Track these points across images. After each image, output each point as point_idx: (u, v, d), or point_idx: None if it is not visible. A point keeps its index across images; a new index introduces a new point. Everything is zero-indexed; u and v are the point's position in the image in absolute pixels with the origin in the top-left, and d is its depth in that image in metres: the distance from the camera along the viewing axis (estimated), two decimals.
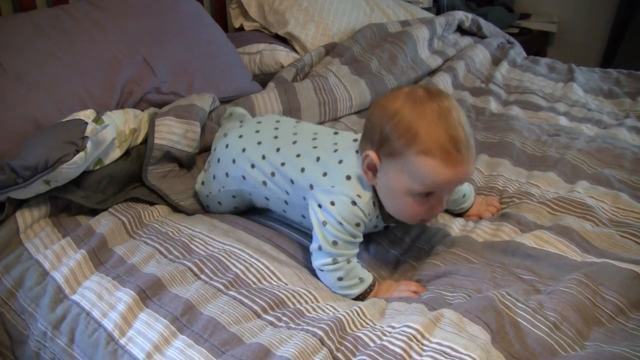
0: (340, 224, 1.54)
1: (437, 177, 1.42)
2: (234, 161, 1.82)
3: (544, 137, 2.35)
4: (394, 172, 1.48)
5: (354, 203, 1.54)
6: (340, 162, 1.61)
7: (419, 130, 1.41)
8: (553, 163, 2.12)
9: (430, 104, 1.44)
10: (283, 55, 2.96)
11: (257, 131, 1.84)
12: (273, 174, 1.72)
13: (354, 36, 3.09)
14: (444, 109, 1.43)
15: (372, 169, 1.52)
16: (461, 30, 3.53)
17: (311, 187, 1.63)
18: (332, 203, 1.55)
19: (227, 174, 1.84)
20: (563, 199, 1.86)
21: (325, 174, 1.62)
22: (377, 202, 1.59)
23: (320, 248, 1.56)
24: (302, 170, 1.66)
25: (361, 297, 1.57)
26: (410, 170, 1.44)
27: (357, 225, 1.56)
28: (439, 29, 3.27)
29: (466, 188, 1.85)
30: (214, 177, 1.89)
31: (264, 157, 1.75)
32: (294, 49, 3.13)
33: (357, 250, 1.60)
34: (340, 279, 1.55)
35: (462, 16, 3.45)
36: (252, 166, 1.76)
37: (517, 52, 3.48)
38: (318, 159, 1.65)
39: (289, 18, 3.18)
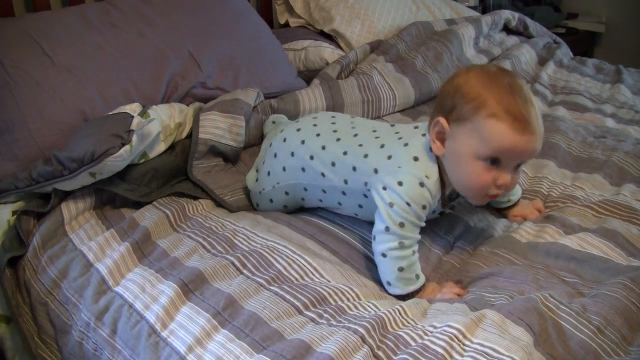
0: (408, 204, 1.54)
1: (505, 140, 1.45)
2: (292, 154, 1.82)
3: (590, 139, 2.33)
4: (462, 137, 1.51)
5: (422, 184, 1.55)
6: (406, 145, 1.63)
7: (488, 97, 1.46)
8: (599, 165, 2.09)
9: (503, 78, 1.50)
10: (328, 52, 2.96)
11: (315, 125, 1.86)
12: (333, 164, 1.72)
13: (400, 34, 3.08)
14: (515, 85, 1.49)
15: (440, 138, 1.55)
16: (507, 29, 3.50)
17: (375, 171, 1.63)
18: (400, 183, 1.55)
19: (284, 168, 1.84)
20: (608, 201, 1.83)
21: (390, 157, 1.62)
22: (442, 183, 1.60)
23: (387, 229, 1.54)
24: (366, 156, 1.67)
25: (406, 297, 1.56)
26: (478, 133, 1.47)
27: (424, 207, 1.56)
28: (485, 28, 3.24)
29: None
30: (268, 174, 1.89)
31: (323, 148, 1.75)
32: (339, 46, 3.13)
33: (419, 237, 1.59)
34: (401, 269, 1.54)
35: (508, 15, 3.42)
36: (312, 157, 1.76)
37: (564, 52, 3.44)
38: (382, 146, 1.66)
39: (335, 15, 3.18)
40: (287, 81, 2.65)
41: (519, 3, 4.58)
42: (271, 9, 3.56)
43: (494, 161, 1.49)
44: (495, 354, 1.20)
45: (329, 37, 3.19)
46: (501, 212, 1.89)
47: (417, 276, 1.56)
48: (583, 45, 4.55)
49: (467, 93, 1.49)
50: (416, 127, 1.68)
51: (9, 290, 1.76)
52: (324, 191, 1.78)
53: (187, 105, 2.28)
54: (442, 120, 1.53)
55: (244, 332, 1.37)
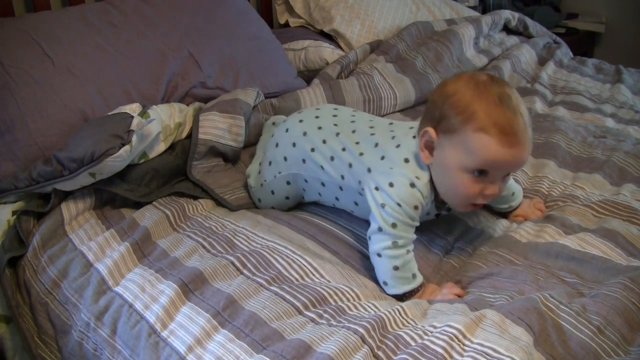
0: (399, 205, 1.55)
1: (492, 154, 1.45)
2: (294, 144, 1.84)
3: (590, 139, 2.33)
4: (450, 148, 1.51)
5: (412, 185, 1.56)
6: (398, 146, 1.64)
7: (477, 109, 1.45)
8: (599, 165, 2.09)
9: (492, 87, 1.48)
10: (328, 52, 2.96)
11: (317, 117, 1.87)
12: (332, 158, 1.74)
13: (400, 34, 3.08)
14: (504, 94, 1.47)
15: (429, 147, 1.56)
16: (507, 29, 3.50)
17: (369, 170, 1.65)
18: (391, 184, 1.57)
19: (285, 158, 1.86)
20: (608, 201, 1.83)
21: (383, 157, 1.64)
22: (433, 186, 1.60)
23: (380, 230, 1.56)
24: (361, 154, 1.69)
25: (405, 298, 1.56)
26: (466, 146, 1.47)
27: (415, 208, 1.56)
28: (485, 28, 3.24)
29: (516, 187, 1.85)
30: (270, 163, 1.91)
31: (324, 142, 1.77)
32: (338, 46, 3.13)
33: (414, 236, 1.59)
34: (396, 268, 1.54)
35: (508, 15, 3.42)
36: (312, 150, 1.79)
37: (564, 52, 3.44)
38: (376, 144, 1.68)
39: (335, 15, 3.18)
40: (287, 81, 2.66)
41: (519, 3, 4.58)
42: (271, 9, 3.56)
43: (481, 172, 1.50)
44: (495, 354, 1.20)
45: (329, 37, 3.19)
46: (502, 213, 1.89)
47: (414, 275, 1.57)
48: (583, 45, 4.55)
49: (456, 104, 1.49)
50: (411, 128, 1.69)
51: (9, 290, 1.76)
52: (323, 184, 1.80)
53: (187, 105, 2.28)
54: (431, 130, 1.53)
55: (243, 332, 1.37)
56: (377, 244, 1.57)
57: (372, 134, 1.72)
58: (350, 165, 1.70)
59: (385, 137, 1.69)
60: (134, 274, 1.63)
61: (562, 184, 1.99)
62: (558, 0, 4.79)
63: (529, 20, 3.53)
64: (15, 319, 1.74)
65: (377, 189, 1.59)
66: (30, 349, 1.72)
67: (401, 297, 1.56)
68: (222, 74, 2.45)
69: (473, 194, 1.53)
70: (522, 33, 3.54)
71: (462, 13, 3.60)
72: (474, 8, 4.09)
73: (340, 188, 1.76)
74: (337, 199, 1.81)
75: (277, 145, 1.90)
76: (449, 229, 1.79)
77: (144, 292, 1.56)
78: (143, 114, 1.93)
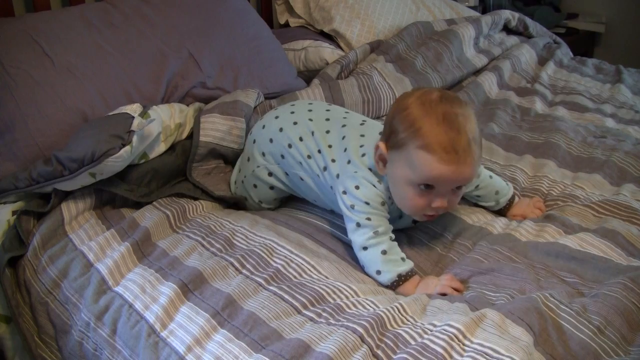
0: (367, 203, 1.63)
1: (433, 171, 1.51)
2: (271, 140, 1.89)
3: (590, 139, 2.33)
4: (398, 163, 1.58)
5: (375, 186, 1.65)
6: (363, 155, 1.71)
7: (422, 126, 1.51)
8: (599, 165, 2.09)
9: (440, 106, 1.53)
10: (328, 52, 2.96)
11: (292, 112, 1.93)
12: (309, 157, 1.80)
13: (400, 34, 3.07)
14: (450, 113, 1.52)
15: (382, 160, 1.63)
16: (507, 29, 3.50)
17: (337, 176, 1.71)
18: (357, 187, 1.65)
19: (263, 154, 1.91)
20: (608, 201, 1.83)
21: (349, 162, 1.71)
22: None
23: (358, 225, 1.63)
24: (333, 160, 1.75)
25: (402, 282, 1.58)
26: (410, 162, 1.54)
27: (382, 204, 1.65)
28: (485, 28, 3.24)
29: (500, 185, 1.87)
30: (248, 159, 1.95)
31: (301, 139, 1.83)
32: (338, 46, 3.13)
33: (391, 226, 1.65)
34: (384, 252, 1.59)
35: (508, 15, 3.42)
36: (290, 146, 1.84)
37: (564, 52, 3.44)
38: (345, 149, 1.74)
39: (335, 15, 3.18)
40: (287, 81, 2.65)
41: (519, 3, 4.58)
42: (271, 9, 3.56)
43: (428, 186, 1.55)
44: (495, 354, 1.21)
45: (329, 37, 3.19)
46: (500, 211, 1.89)
47: (403, 259, 1.61)
48: (583, 45, 4.54)
49: (404, 120, 1.55)
50: (380, 132, 1.72)
51: (9, 290, 1.76)
52: (301, 179, 1.84)
53: (187, 105, 2.28)
54: (382, 145, 1.60)
55: (242, 332, 1.37)
56: (359, 238, 1.62)
57: (343, 137, 1.78)
58: (325, 169, 1.77)
59: (354, 144, 1.74)
60: (134, 274, 1.63)
61: (562, 183, 1.99)
62: (558, 0, 4.79)
63: (529, 20, 3.53)
64: (15, 318, 1.74)
65: (344, 192, 1.66)
66: (30, 349, 1.72)
67: (397, 285, 1.58)
68: (222, 74, 2.44)
69: (421, 206, 1.59)
70: (522, 33, 3.54)
71: (462, 13, 3.60)
72: (474, 8, 4.08)
73: (317, 184, 1.81)
74: (315, 191, 1.85)
75: (254, 141, 1.95)
76: (447, 226, 1.80)
77: (144, 292, 1.56)
78: (143, 114, 1.93)
